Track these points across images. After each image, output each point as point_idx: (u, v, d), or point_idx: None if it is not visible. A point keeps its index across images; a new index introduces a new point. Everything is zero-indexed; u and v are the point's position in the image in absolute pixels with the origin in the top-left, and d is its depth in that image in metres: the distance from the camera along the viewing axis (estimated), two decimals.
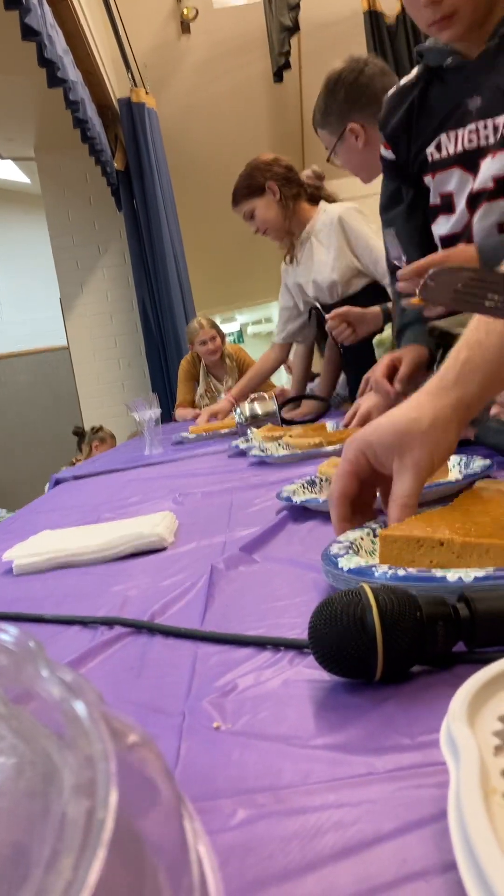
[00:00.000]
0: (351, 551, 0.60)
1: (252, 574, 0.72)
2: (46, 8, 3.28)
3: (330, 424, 1.82)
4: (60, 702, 0.24)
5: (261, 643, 0.52)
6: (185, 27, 5.43)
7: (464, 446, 1.05)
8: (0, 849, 0.19)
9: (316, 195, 2.65)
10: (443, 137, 1.38)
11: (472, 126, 1.33)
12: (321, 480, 1.03)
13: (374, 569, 0.54)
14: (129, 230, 5.41)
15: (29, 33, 2.97)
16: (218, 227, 6.35)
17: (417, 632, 0.41)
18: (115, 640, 0.59)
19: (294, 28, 4.58)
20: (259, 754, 0.38)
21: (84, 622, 0.65)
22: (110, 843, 0.18)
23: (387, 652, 0.40)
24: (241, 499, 1.16)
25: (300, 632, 0.53)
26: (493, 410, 1.02)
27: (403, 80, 1.47)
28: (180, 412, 4.10)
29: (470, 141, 1.34)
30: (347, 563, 0.56)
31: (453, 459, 0.96)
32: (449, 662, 0.43)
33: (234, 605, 0.63)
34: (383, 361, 1.46)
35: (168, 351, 5.36)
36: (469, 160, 1.35)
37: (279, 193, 2.54)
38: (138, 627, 0.61)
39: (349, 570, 0.55)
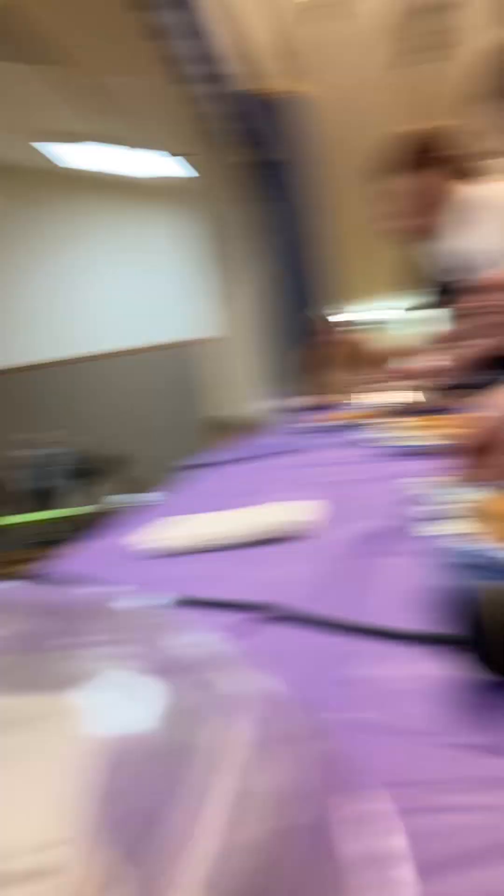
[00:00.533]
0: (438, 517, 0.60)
1: (399, 567, 0.71)
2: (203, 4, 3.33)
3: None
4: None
5: (411, 637, 0.51)
6: (341, 14, 5.37)
7: None
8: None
9: (464, 169, 2.51)
10: None
11: None
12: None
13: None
14: (279, 222, 5.46)
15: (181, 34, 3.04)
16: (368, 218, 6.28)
17: None
18: (258, 626, 0.60)
19: (443, 7, 4.46)
20: (403, 749, 0.38)
21: (228, 605, 0.66)
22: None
23: None
24: (384, 489, 1.15)
25: (449, 627, 0.52)
26: None
27: None
28: (310, 400, 4.10)
29: None
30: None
31: None
32: None
33: (380, 597, 0.63)
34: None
35: (303, 343, 5.38)
36: None
37: (436, 166, 2.39)
38: (282, 615, 0.61)
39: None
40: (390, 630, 0.53)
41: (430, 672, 0.46)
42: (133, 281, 9.36)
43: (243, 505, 1.15)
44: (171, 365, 9.10)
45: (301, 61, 5.37)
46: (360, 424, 2.34)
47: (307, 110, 5.23)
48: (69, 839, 0.19)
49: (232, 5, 4.07)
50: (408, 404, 2.06)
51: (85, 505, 7.67)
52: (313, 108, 5.34)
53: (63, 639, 0.29)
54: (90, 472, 8.75)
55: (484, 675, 0.42)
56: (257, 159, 5.15)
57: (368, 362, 3.45)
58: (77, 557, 1.01)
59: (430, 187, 2.44)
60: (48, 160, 8.17)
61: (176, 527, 1.01)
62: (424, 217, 2.50)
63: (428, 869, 0.28)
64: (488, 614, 0.41)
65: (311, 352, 4.26)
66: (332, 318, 4.04)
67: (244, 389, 5.71)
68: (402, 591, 0.63)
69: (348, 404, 2.85)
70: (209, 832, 0.19)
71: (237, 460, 2.03)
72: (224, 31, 3.89)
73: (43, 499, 9.30)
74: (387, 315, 11.58)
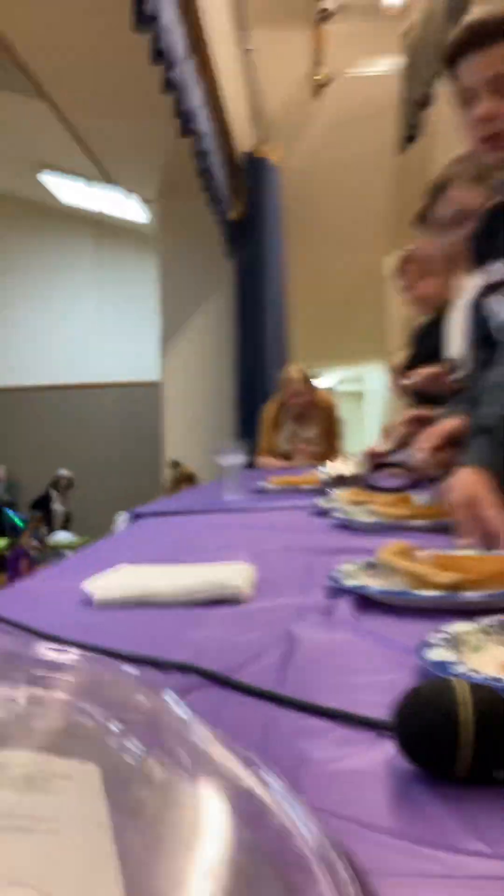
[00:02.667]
0: (450, 645, 0.59)
1: (331, 644, 0.71)
2: (189, 62, 3.44)
3: (420, 497, 1.76)
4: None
5: (341, 717, 0.51)
6: (316, 90, 5.60)
7: None
8: None
9: None
10: None
11: None
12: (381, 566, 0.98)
13: (454, 666, 0.53)
14: (236, 278, 5.56)
15: (170, 86, 3.12)
16: (327, 285, 6.43)
17: None
18: (188, 689, 0.59)
19: (425, 103, 4.66)
20: (331, 833, 0.37)
21: (159, 664, 0.65)
22: None
23: (476, 751, 0.39)
24: (321, 561, 1.16)
25: (379, 712, 0.52)
26: None
27: None
28: (263, 460, 4.11)
29: None
30: (436, 655, 0.56)
31: None
32: None
33: (310, 673, 0.63)
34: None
35: (259, 398, 5.42)
36: None
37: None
38: (213, 679, 0.61)
39: (433, 663, 0.55)
40: (318, 707, 0.53)
41: (362, 757, 0.46)
42: (97, 317, 9.28)
43: (194, 560, 1.14)
44: (128, 405, 9.03)
45: (276, 130, 5.55)
46: (307, 490, 2.35)
47: (272, 175, 5.40)
48: None
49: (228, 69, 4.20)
50: (342, 476, 2.09)
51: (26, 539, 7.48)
52: (278, 173, 5.52)
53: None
54: (33, 505, 8.60)
55: (411, 766, 0.42)
56: (224, 216, 5.26)
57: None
58: (23, 598, 0.99)
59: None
60: (45, 194, 8.13)
61: (123, 577, 1.00)
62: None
63: None
64: (404, 702, 0.42)
65: (276, 405, 4.27)
66: (302, 379, 4.07)
67: (204, 440, 5.71)
68: (325, 668, 0.63)
69: (312, 467, 2.86)
70: None
71: (189, 512, 2.02)
72: (209, 92, 4.01)
73: None
74: (342, 384, 11.77)
